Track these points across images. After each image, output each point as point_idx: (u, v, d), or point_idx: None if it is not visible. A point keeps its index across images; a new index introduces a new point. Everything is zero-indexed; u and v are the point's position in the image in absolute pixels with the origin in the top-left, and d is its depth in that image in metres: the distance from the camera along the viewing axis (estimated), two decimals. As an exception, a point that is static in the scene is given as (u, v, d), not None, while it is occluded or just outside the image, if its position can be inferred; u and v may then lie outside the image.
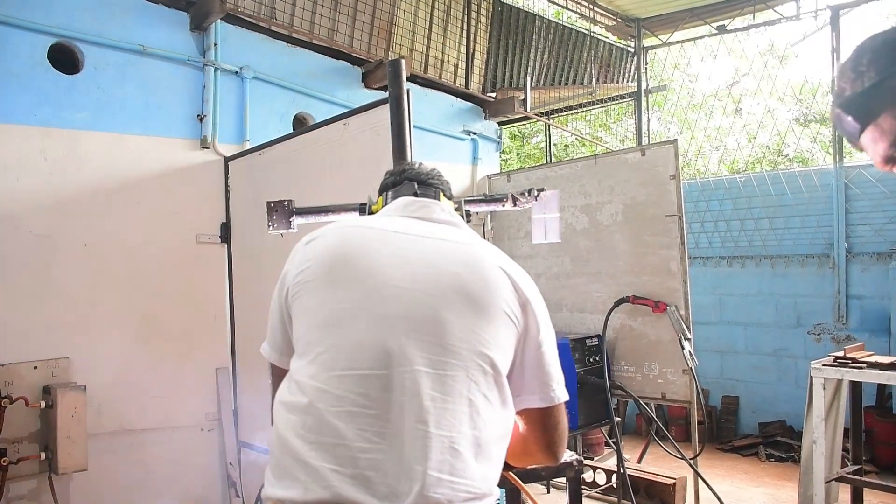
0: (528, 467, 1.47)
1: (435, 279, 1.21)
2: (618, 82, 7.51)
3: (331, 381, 1.15)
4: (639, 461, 4.95)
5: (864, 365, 3.53)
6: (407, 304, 1.18)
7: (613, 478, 4.48)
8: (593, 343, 4.14)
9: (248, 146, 3.99)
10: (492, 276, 1.24)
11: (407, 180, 1.47)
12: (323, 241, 1.30)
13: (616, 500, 4.27)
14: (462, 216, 1.53)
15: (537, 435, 1.33)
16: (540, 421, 1.32)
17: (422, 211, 1.38)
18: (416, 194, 1.43)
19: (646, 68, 7.40)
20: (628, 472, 4.17)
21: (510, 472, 1.64)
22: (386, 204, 1.46)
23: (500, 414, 1.21)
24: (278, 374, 1.34)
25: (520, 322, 1.24)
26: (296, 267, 1.28)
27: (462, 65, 5.74)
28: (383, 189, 1.52)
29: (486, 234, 5.10)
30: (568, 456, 2.41)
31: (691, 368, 3.83)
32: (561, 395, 1.30)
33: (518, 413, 1.30)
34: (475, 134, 5.61)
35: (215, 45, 3.93)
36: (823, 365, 3.65)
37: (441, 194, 1.47)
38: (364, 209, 1.63)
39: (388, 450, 1.10)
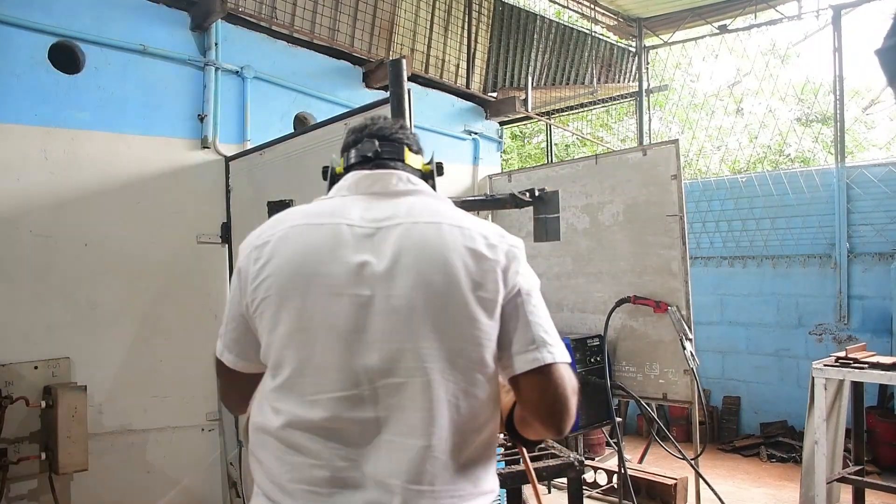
0: (535, 439, 1.38)
1: (398, 281, 1.13)
2: (619, 82, 7.50)
3: (303, 405, 1.13)
4: (640, 461, 4.95)
5: (866, 365, 3.53)
6: (372, 316, 1.13)
7: (614, 478, 4.47)
8: (594, 343, 4.13)
9: (249, 146, 3.99)
10: (457, 265, 1.14)
11: (367, 137, 1.35)
12: (276, 247, 1.19)
13: (617, 500, 4.26)
14: (432, 171, 1.39)
15: (530, 407, 1.20)
16: (528, 389, 1.18)
17: (377, 185, 1.26)
18: (377, 152, 1.31)
19: (647, 68, 7.39)
20: (629, 472, 4.17)
21: (523, 449, 1.59)
22: (347, 163, 1.35)
23: (485, 409, 1.18)
24: (232, 379, 1.30)
25: (494, 296, 1.15)
26: (253, 274, 1.20)
27: (463, 64, 5.73)
28: (345, 149, 1.39)
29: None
30: (569, 456, 2.42)
31: (692, 369, 3.82)
32: (548, 356, 1.16)
33: (510, 382, 1.21)
34: (476, 134, 5.60)
35: (216, 44, 3.92)
36: (825, 365, 3.65)
37: (406, 150, 1.35)
38: (326, 172, 1.45)
39: (365, 466, 1.10)
